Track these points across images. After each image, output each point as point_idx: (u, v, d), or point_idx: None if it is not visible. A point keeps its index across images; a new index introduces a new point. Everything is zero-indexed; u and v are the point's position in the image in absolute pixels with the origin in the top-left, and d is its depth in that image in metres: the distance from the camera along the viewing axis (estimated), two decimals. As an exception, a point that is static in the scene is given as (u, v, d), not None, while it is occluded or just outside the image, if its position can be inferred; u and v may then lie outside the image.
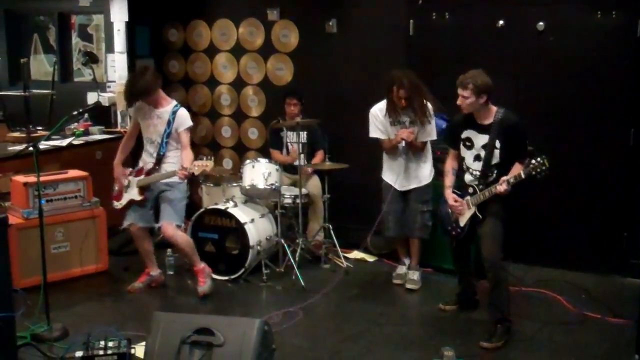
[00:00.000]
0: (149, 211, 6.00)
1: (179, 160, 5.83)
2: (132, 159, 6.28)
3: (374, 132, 6.16)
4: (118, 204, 6.06)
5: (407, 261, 6.40)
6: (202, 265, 6.01)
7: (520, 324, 5.32)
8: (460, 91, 5.05)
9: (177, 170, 5.61)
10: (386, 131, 6.09)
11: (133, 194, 5.92)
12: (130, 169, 6.09)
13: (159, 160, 5.87)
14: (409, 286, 6.17)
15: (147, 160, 5.97)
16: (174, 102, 5.94)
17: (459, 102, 5.10)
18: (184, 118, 5.86)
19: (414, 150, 6.06)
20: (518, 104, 6.07)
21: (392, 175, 6.17)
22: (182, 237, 5.94)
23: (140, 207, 5.94)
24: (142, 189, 5.89)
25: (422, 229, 6.16)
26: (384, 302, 5.94)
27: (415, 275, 6.24)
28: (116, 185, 6.11)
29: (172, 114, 5.83)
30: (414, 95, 5.84)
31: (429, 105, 5.96)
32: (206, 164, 5.50)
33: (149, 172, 5.90)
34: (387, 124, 6.06)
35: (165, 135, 5.82)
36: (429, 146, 6.18)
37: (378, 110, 6.10)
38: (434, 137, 6.09)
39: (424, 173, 6.15)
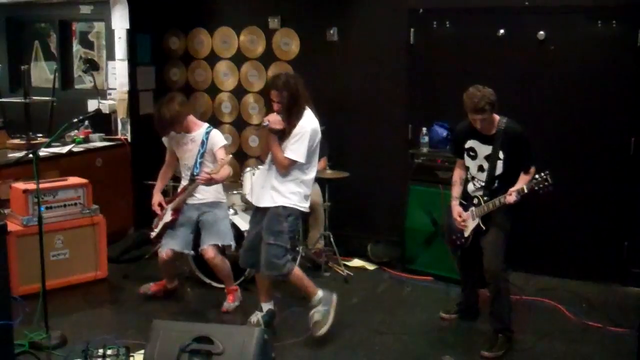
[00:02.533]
0: (185, 235, 5.79)
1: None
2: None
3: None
4: (153, 233, 5.93)
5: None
6: (236, 287, 5.97)
7: (521, 333, 5.31)
8: (477, 116, 4.94)
9: (198, 178, 5.56)
10: None
11: (166, 217, 5.83)
12: (165, 198, 6.00)
13: (193, 181, 5.72)
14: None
15: (185, 185, 5.87)
16: (206, 125, 5.84)
17: (478, 125, 5.01)
18: (219, 137, 5.77)
19: (276, 161, 5.10)
20: (518, 113, 6.04)
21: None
22: (221, 262, 5.81)
23: (174, 230, 5.80)
24: (175, 211, 5.80)
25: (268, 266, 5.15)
26: (385, 310, 5.93)
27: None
28: (157, 217, 5.94)
29: (206, 134, 5.72)
30: (286, 101, 4.98)
31: (301, 122, 5.02)
32: (226, 160, 5.49)
33: (179, 194, 5.85)
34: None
35: (199, 155, 5.70)
36: (297, 172, 5.11)
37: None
38: (298, 159, 5.01)
39: (283, 192, 5.11)
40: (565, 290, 6.28)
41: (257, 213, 5.28)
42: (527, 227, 6.46)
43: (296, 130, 4.99)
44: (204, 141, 5.71)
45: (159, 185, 6.00)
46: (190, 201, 5.80)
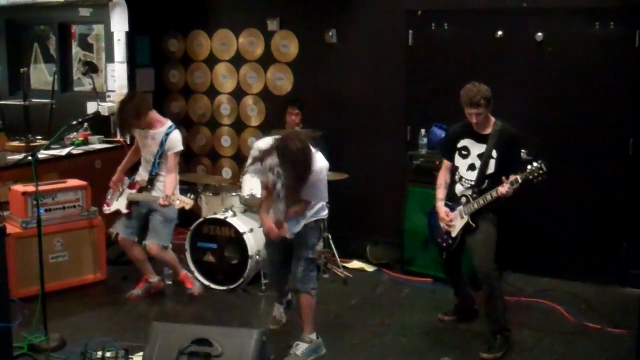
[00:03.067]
0: (135, 224, 6.06)
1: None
2: (131, 171, 6.28)
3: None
4: (107, 209, 6.18)
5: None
6: (184, 272, 6.21)
7: (520, 334, 5.32)
8: (473, 110, 4.98)
9: (160, 198, 5.70)
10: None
11: (121, 204, 6.05)
12: (127, 179, 6.16)
13: (151, 179, 5.95)
14: None
15: (142, 175, 6.05)
16: (169, 124, 5.96)
17: (473, 120, 5.04)
18: (175, 141, 5.89)
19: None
20: (516, 114, 6.07)
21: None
22: (167, 256, 6.11)
23: (127, 219, 6.05)
24: (130, 203, 6.01)
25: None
26: (383, 312, 5.93)
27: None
28: (110, 190, 6.19)
29: (165, 135, 5.88)
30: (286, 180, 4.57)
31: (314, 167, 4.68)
32: (187, 202, 5.61)
33: (140, 190, 6.01)
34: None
35: (158, 155, 5.89)
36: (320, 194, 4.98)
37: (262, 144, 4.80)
38: (324, 199, 5.04)
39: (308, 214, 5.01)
40: (564, 291, 6.27)
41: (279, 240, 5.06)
42: (525, 228, 6.49)
43: (313, 177, 4.70)
44: (162, 142, 5.87)
45: (124, 164, 6.22)
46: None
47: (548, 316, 5.80)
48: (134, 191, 6.02)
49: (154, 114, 5.96)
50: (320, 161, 4.82)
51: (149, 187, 5.96)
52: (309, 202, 4.93)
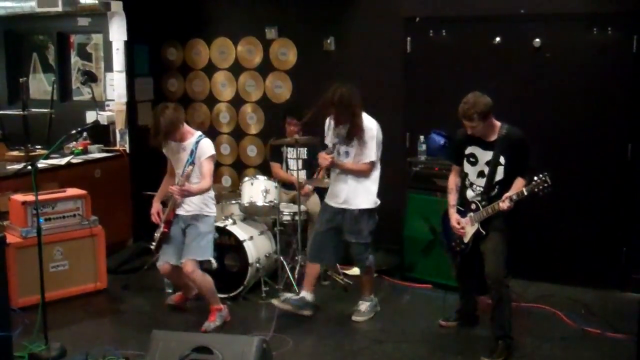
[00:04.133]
0: (176, 247, 5.74)
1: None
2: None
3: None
4: (152, 245, 5.86)
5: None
6: (220, 306, 5.79)
7: (520, 339, 5.31)
8: (467, 123, 5.01)
9: (171, 189, 5.51)
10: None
11: (160, 230, 5.78)
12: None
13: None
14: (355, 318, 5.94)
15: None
16: (198, 134, 5.75)
17: (469, 131, 5.08)
18: (207, 147, 5.65)
19: (358, 174, 5.72)
20: (515, 120, 6.06)
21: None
22: (201, 277, 5.67)
23: (167, 243, 5.75)
24: (166, 223, 5.74)
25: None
26: (384, 318, 5.93)
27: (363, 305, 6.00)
28: (154, 220, 5.83)
29: (195, 144, 5.64)
30: (341, 113, 5.59)
31: (366, 124, 5.64)
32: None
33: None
34: (332, 134, 5.84)
35: (187, 164, 5.60)
36: (374, 171, 5.76)
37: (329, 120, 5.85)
38: (376, 159, 5.68)
39: (360, 194, 5.71)
40: (564, 296, 6.27)
41: (331, 210, 5.78)
42: (525, 234, 6.47)
43: (365, 134, 5.58)
44: (193, 150, 5.63)
45: (159, 194, 5.91)
46: (178, 212, 5.73)
47: (548, 321, 5.80)
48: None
49: (186, 126, 5.74)
50: (367, 119, 5.64)
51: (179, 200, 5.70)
52: (368, 164, 5.63)
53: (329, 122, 5.80)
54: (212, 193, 5.77)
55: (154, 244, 5.84)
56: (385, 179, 7.11)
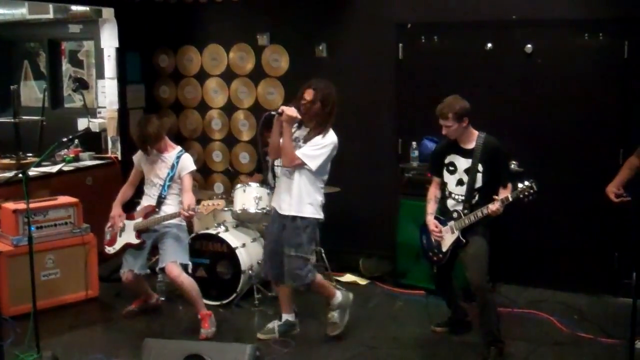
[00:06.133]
0: (145, 256, 5.85)
1: (179, 203, 5.78)
2: (126, 207, 6.14)
3: None
4: (111, 249, 5.93)
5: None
6: (208, 312, 5.77)
7: (512, 345, 5.31)
8: (442, 122, 5.13)
9: (181, 211, 5.55)
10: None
11: (130, 237, 5.81)
12: (125, 214, 5.98)
13: (160, 202, 5.81)
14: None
15: (148, 200, 5.89)
16: (179, 148, 5.95)
17: (444, 132, 5.18)
18: (188, 162, 5.85)
19: (284, 153, 5.29)
20: (507, 126, 6.11)
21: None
22: (188, 280, 5.70)
23: (137, 250, 5.82)
24: (139, 232, 5.81)
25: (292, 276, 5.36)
26: (377, 325, 5.92)
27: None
28: (109, 229, 5.96)
29: (177, 158, 5.81)
30: (317, 104, 5.20)
31: (328, 133, 5.27)
32: (217, 203, 5.50)
33: (147, 215, 5.83)
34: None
35: (168, 178, 5.79)
36: (318, 181, 5.39)
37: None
38: (310, 165, 5.23)
39: (302, 201, 5.32)
40: (557, 302, 6.29)
41: (276, 221, 5.44)
42: (517, 240, 6.49)
43: (320, 140, 5.24)
44: (174, 165, 5.79)
45: (119, 200, 6.05)
46: (156, 227, 5.82)
47: (541, 327, 5.80)
48: (140, 219, 5.83)
49: (167, 139, 5.90)
50: (332, 133, 5.29)
51: (157, 210, 5.81)
52: (298, 159, 5.21)
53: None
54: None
55: (114, 248, 5.92)
56: (377, 185, 7.18)
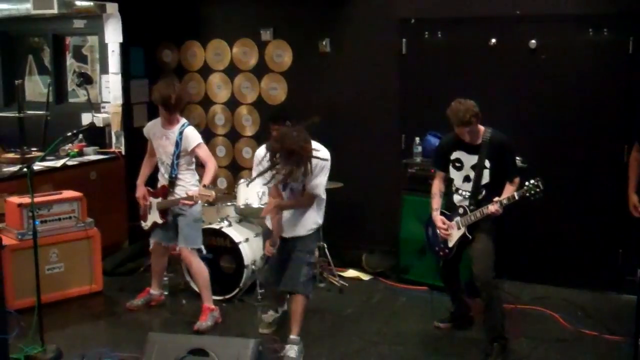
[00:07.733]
0: (172, 233, 5.94)
1: (196, 181, 5.82)
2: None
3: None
4: (145, 225, 6.04)
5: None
6: (212, 306, 5.81)
7: (516, 341, 5.32)
8: (465, 129, 5.03)
9: (181, 199, 5.62)
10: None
11: (155, 217, 5.89)
12: (150, 189, 5.99)
13: (172, 182, 5.77)
14: None
15: (162, 181, 5.89)
16: (182, 121, 5.80)
17: (467, 138, 5.10)
18: (192, 136, 5.72)
19: (302, 206, 5.24)
20: (510, 122, 6.09)
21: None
22: (198, 266, 5.84)
23: (162, 228, 5.94)
24: (162, 212, 5.85)
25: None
26: (379, 320, 5.93)
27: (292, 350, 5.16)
28: (141, 205, 6.02)
29: (179, 134, 5.70)
30: (286, 161, 4.74)
31: (321, 155, 5.03)
32: (209, 194, 5.40)
33: (164, 195, 5.84)
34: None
35: (175, 156, 5.71)
36: (320, 199, 5.29)
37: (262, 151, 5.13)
38: (322, 193, 5.23)
39: (309, 220, 5.25)
40: (560, 298, 6.28)
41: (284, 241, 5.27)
42: (521, 236, 6.49)
43: (315, 164, 4.94)
44: (177, 141, 5.70)
45: (142, 176, 6.08)
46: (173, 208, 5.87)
47: (544, 323, 5.80)
48: (159, 199, 5.86)
49: (178, 115, 5.81)
50: (323, 151, 5.06)
51: (171, 190, 5.78)
52: (314, 196, 5.12)
53: (264, 155, 5.01)
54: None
55: (147, 224, 6.00)
56: (380, 180, 7.18)
